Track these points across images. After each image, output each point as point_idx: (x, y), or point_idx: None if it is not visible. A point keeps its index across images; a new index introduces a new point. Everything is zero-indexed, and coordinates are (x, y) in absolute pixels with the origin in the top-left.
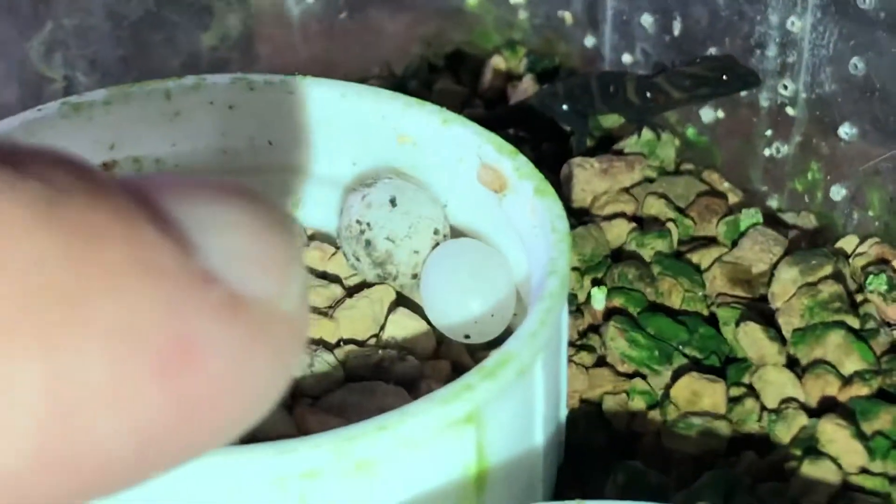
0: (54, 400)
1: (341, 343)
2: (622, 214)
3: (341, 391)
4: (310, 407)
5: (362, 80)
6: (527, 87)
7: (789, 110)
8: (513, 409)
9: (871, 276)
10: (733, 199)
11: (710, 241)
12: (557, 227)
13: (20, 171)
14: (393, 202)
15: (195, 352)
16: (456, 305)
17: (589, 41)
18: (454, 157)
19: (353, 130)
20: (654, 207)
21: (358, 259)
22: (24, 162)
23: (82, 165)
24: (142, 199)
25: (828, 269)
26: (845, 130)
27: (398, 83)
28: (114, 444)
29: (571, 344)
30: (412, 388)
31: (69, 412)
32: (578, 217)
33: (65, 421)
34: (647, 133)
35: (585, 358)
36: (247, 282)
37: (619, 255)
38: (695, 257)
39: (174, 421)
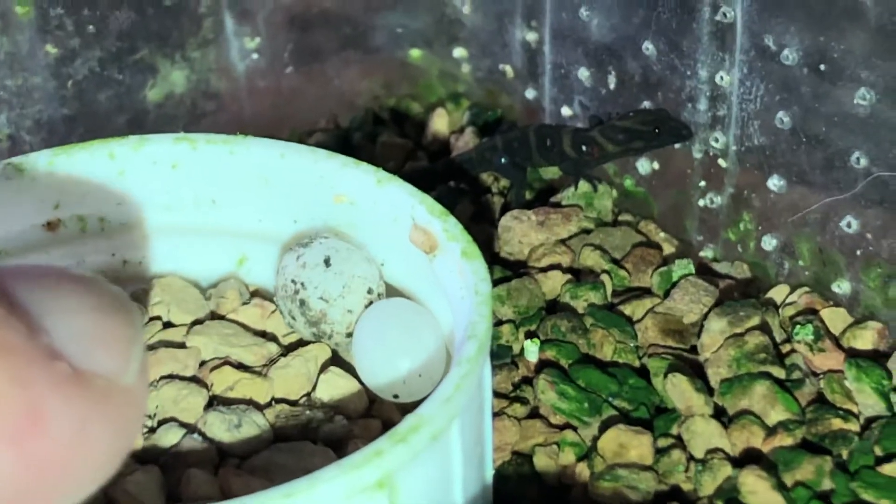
0: None
1: (273, 402)
2: (558, 266)
3: (268, 451)
4: (235, 468)
5: (309, 133)
6: (468, 139)
7: (721, 162)
8: (428, 473)
9: (798, 327)
10: (669, 249)
11: (644, 292)
12: (481, 290)
13: None
14: (327, 262)
15: (42, 420)
16: (385, 365)
17: (530, 94)
18: (389, 216)
19: (293, 189)
20: (590, 259)
21: (294, 318)
22: None
23: None
24: None
25: (755, 320)
26: (774, 182)
27: (344, 136)
28: None
29: (505, 396)
30: (340, 447)
31: None
32: (515, 269)
33: None
34: (583, 185)
35: (518, 410)
36: (88, 359)
37: (554, 307)
38: (628, 308)
39: (26, 482)
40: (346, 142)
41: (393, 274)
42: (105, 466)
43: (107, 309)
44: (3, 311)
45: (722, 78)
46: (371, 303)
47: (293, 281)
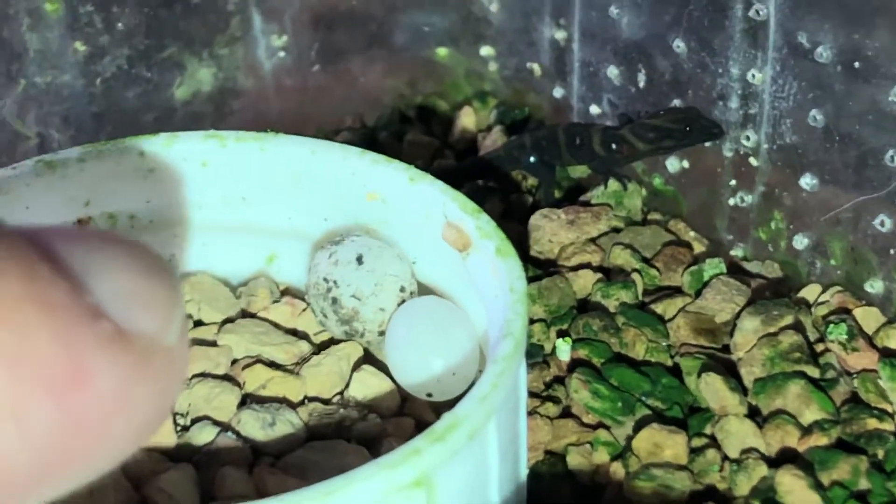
0: None
1: (306, 401)
2: (588, 265)
3: (302, 450)
4: (269, 467)
5: (335, 132)
6: (496, 138)
7: (752, 161)
8: (465, 472)
9: (831, 326)
10: (699, 248)
11: (675, 291)
12: (516, 288)
13: None
14: (359, 260)
15: (84, 376)
16: (418, 364)
17: (557, 92)
18: (421, 214)
19: (324, 187)
20: (620, 258)
21: (325, 316)
22: None
23: None
24: (37, 244)
25: (788, 320)
26: (806, 181)
27: (370, 134)
28: (14, 456)
29: (537, 395)
30: (374, 446)
31: None
32: (545, 268)
33: None
34: (613, 184)
35: (551, 409)
36: (131, 318)
37: (585, 306)
38: (659, 307)
39: (67, 436)
40: (372, 140)
41: (425, 272)
42: (147, 427)
43: (149, 271)
44: (48, 270)
45: (754, 76)
46: (403, 301)
47: (325, 279)
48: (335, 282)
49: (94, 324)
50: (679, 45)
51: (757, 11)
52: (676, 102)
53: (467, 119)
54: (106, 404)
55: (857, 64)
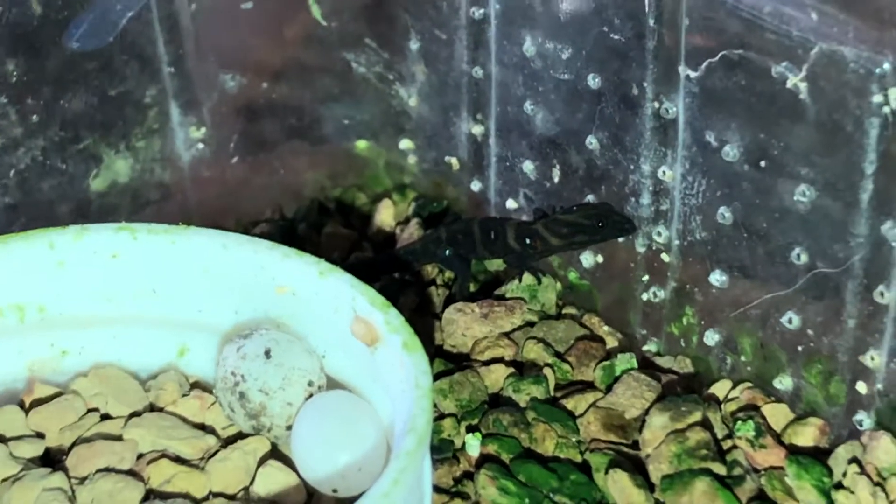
0: None
1: (210, 496)
2: (501, 359)
3: None
4: None
5: (254, 223)
6: (413, 231)
7: (664, 256)
8: None
9: (739, 423)
10: (612, 342)
11: (587, 386)
12: (421, 384)
13: None
14: (268, 354)
15: None
16: (324, 458)
17: (475, 186)
18: (331, 308)
19: (235, 280)
20: (533, 352)
21: (233, 410)
22: None
23: None
24: None
25: (697, 416)
26: (717, 277)
27: (289, 226)
28: None
29: (446, 491)
30: None
31: None
32: (458, 362)
33: None
34: (528, 277)
35: None
36: None
37: (496, 401)
38: (570, 402)
39: None
40: (291, 232)
41: (334, 366)
42: None
43: None
44: None
45: (664, 173)
46: (311, 395)
47: (233, 373)
48: (243, 376)
49: None
50: (592, 141)
51: (666, 109)
52: (590, 198)
53: (386, 212)
54: None
55: (763, 162)
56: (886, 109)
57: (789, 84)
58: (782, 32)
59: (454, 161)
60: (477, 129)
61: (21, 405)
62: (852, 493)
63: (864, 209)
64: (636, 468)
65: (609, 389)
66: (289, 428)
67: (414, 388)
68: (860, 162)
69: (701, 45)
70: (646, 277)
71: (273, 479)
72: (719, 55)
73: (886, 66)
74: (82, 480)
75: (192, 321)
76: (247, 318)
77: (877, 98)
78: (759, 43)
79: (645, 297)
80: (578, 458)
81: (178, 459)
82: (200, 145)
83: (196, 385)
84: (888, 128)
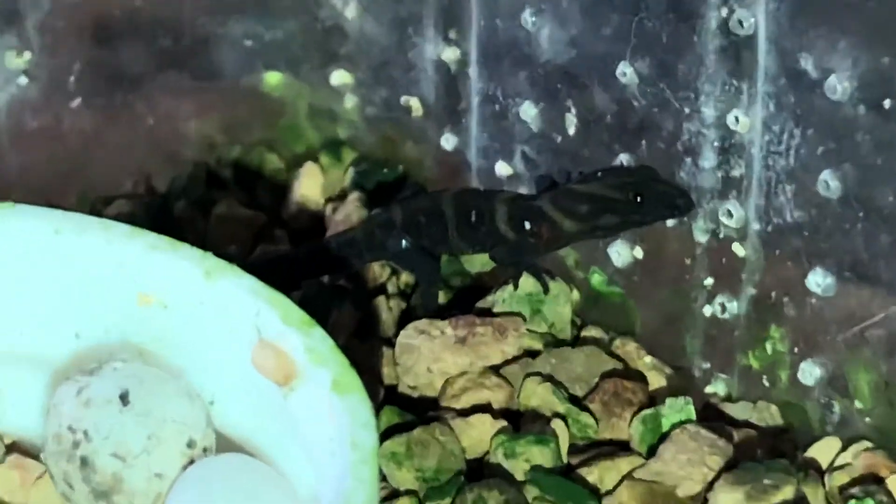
0: None
1: None
2: (486, 407)
3: None
4: None
5: (107, 201)
6: (351, 211)
7: (737, 248)
8: None
9: (853, 502)
10: (658, 381)
11: (619, 448)
12: (360, 443)
13: None
14: (124, 399)
15: None
16: None
17: (447, 141)
18: (223, 328)
19: (74, 284)
20: (536, 397)
21: (70, 486)
22: None
23: None
24: None
25: (787, 493)
26: (817, 280)
27: (160, 205)
28: None
29: None
30: None
31: None
32: (421, 411)
33: None
34: (527, 282)
35: None
36: None
37: (479, 471)
38: (593, 473)
39: None
40: (163, 213)
41: (227, 417)
42: None
43: None
44: None
45: (737, 119)
46: (192, 461)
47: (70, 428)
48: (86, 432)
49: None
50: (626, 71)
51: (740, 21)
52: (623, 159)
53: (310, 182)
54: None
55: (887, 102)
56: None
57: None
58: None
59: (414, 103)
60: (449, 54)
61: None
62: None
63: None
64: None
65: (652, 453)
66: None
67: (349, 449)
68: None
69: None
70: (709, 281)
71: None
72: None
73: None
74: None
75: (9, 349)
76: (92, 344)
77: None
78: None
79: (708, 311)
80: None
81: None
82: (23, 80)
83: (14, 448)
84: None
